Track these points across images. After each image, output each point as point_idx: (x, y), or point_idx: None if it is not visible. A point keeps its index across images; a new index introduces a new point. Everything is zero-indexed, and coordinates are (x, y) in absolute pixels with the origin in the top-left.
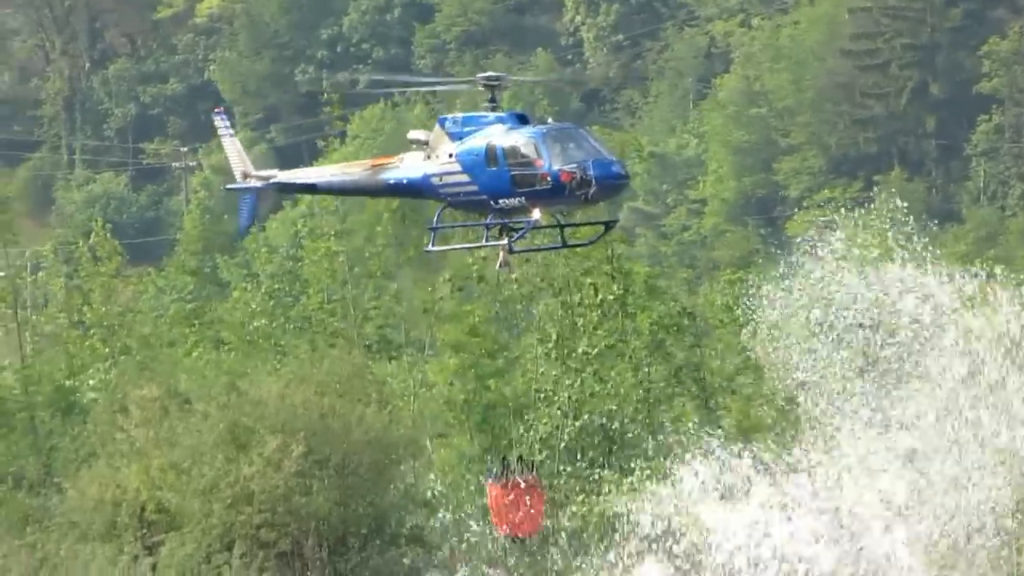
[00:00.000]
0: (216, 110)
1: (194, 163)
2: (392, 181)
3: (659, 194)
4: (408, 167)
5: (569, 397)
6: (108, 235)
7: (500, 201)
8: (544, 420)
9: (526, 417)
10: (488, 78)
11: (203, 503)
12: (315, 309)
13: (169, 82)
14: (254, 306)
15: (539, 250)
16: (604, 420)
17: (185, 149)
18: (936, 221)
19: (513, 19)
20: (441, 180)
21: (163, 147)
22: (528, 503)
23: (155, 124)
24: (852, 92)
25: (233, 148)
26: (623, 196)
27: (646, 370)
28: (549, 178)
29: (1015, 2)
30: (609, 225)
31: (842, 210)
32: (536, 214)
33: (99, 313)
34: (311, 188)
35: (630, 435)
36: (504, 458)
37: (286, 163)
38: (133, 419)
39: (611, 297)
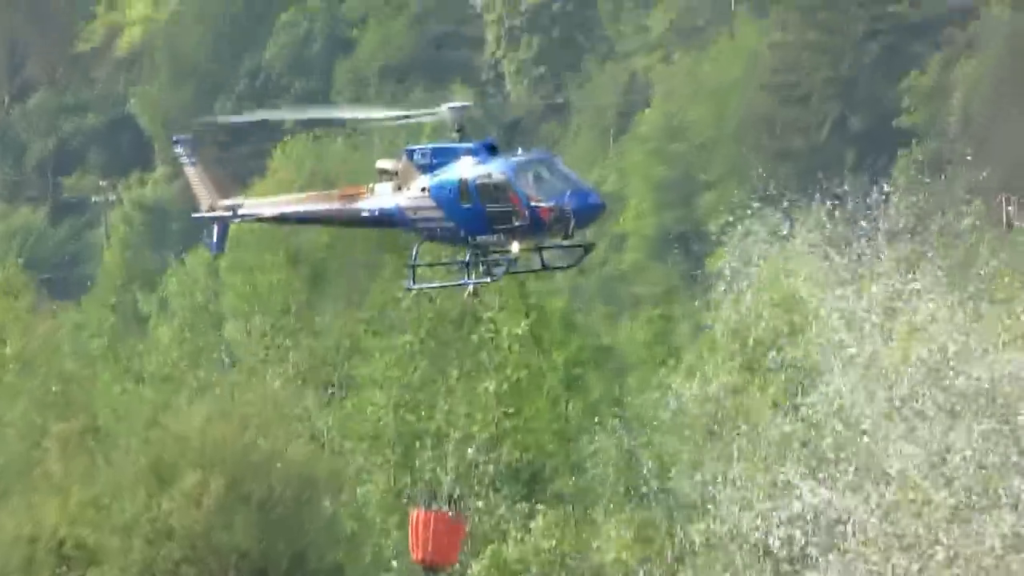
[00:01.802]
0: (175, 138)
1: (114, 197)
2: (365, 213)
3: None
4: (380, 198)
5: (480, 433)
6: (19, 270)
7: (477, 238)
8: (458, 456)
9: (442, 452)
10: (452, 108)
11: (123, 539)
12: (236, 343)
13: (89, 115)
14: (167, 341)
15: (520, 272)
16: (520, 455)
17: (105, 183)
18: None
19: (433, 53)
20: (415, 214)
21: (82, 180)
22: (447, 535)
23: (75, 157)
24: (772, 126)
25: (197, 177)
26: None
27: (563, 405)
28: (527, 214)
29: (934, 37)
30: (588, 248)
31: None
32: (515, 248)
33: (17, 348)
34: (279, 218)
35: (548, 472)
36: (432, 489)
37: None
38: (52, 454)
39: (518, 332)
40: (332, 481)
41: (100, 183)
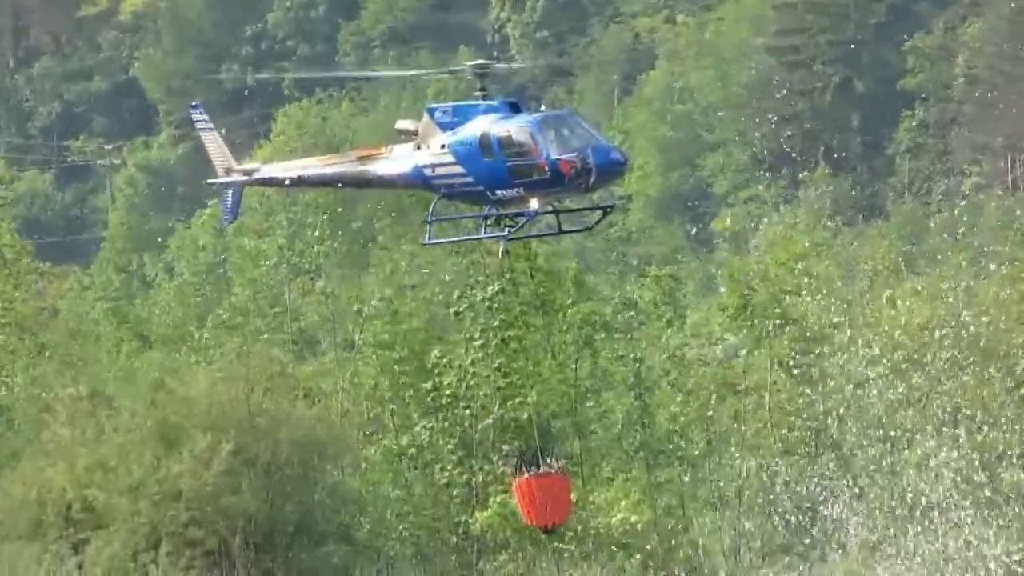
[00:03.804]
0: (192, 104)
1: (119, 161)
2: (381, 172)
3: None
4: (398, 158)
5: (486, 393)
6: (14, 234)
7: (497, 192)
8: (466, 416)
9: (449, 414)
10: (477, 66)
11: (130, 501)
12: (242, 307)
13: (94, 79)
14: (171, 303)
15: (536, 236)
16: (527, 415)
17: (110, 147)
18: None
19: (438, 16)
20: (434, 171)
21: (88, 145)
22: (557, 493)
23: (80, 122)
24: (777, 88)
25: (213, 142)
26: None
27: (573, 366)
28: (547, 167)
29: None
30: (607, 209)
31: (767, 207)
32: (534, 204)
33: (25, 311)
34: (297, 181)
35: (555, 431)
36: (525, 451)
37: (209, 163)
38: (59, 418)
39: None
40: (337, 444)
41: (105, 147)
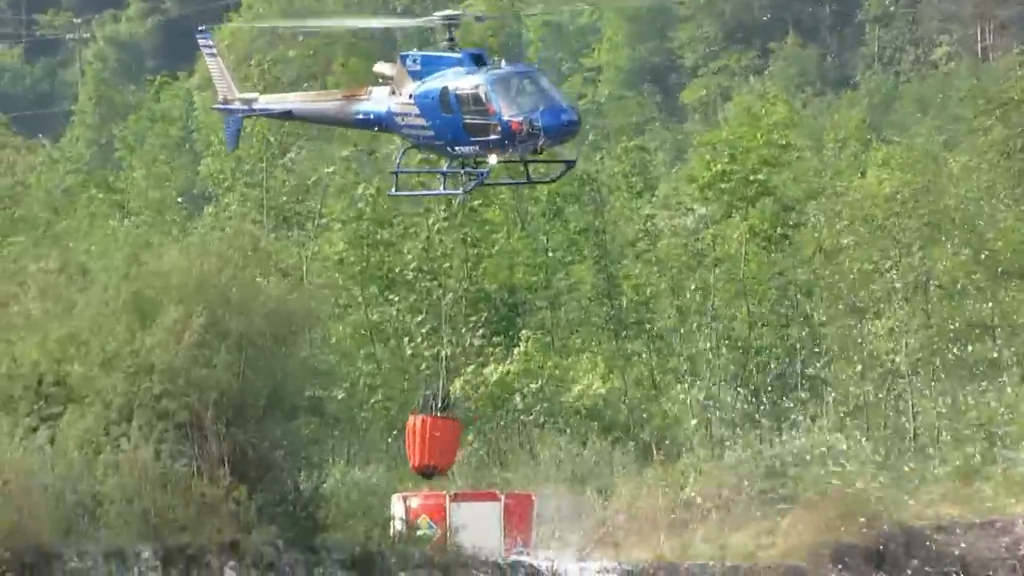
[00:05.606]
0: (199, 29)
1: (88, 35)
2: (360, 114)
3: (554, 63)
4: (375, 101)
5: (452, 265)
6: None
7: (455, 148)
8: (434, 289)
9: (418, 288)
10: (446, 16)
11: (104, 375)
12: (214, 179)
13: None
14: (142, 177)
15: (503, 184)
16: (496, 287)
17: (79, 20)
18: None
19: None
20: (403, 120)
21: (57, 19)
22: (446, 437)
23: None
24: None
25: (217, 68)
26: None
27: (543, 237)
28: (500, 127)
29: None
30: (569, 164)
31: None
32: (493, 160)
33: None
34: (288, 114)
35: (525, 303)
36: (432, 395)
37: (178, 37)
38: (30, 292)
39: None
40: (308, 318)
41: (74, 21)
